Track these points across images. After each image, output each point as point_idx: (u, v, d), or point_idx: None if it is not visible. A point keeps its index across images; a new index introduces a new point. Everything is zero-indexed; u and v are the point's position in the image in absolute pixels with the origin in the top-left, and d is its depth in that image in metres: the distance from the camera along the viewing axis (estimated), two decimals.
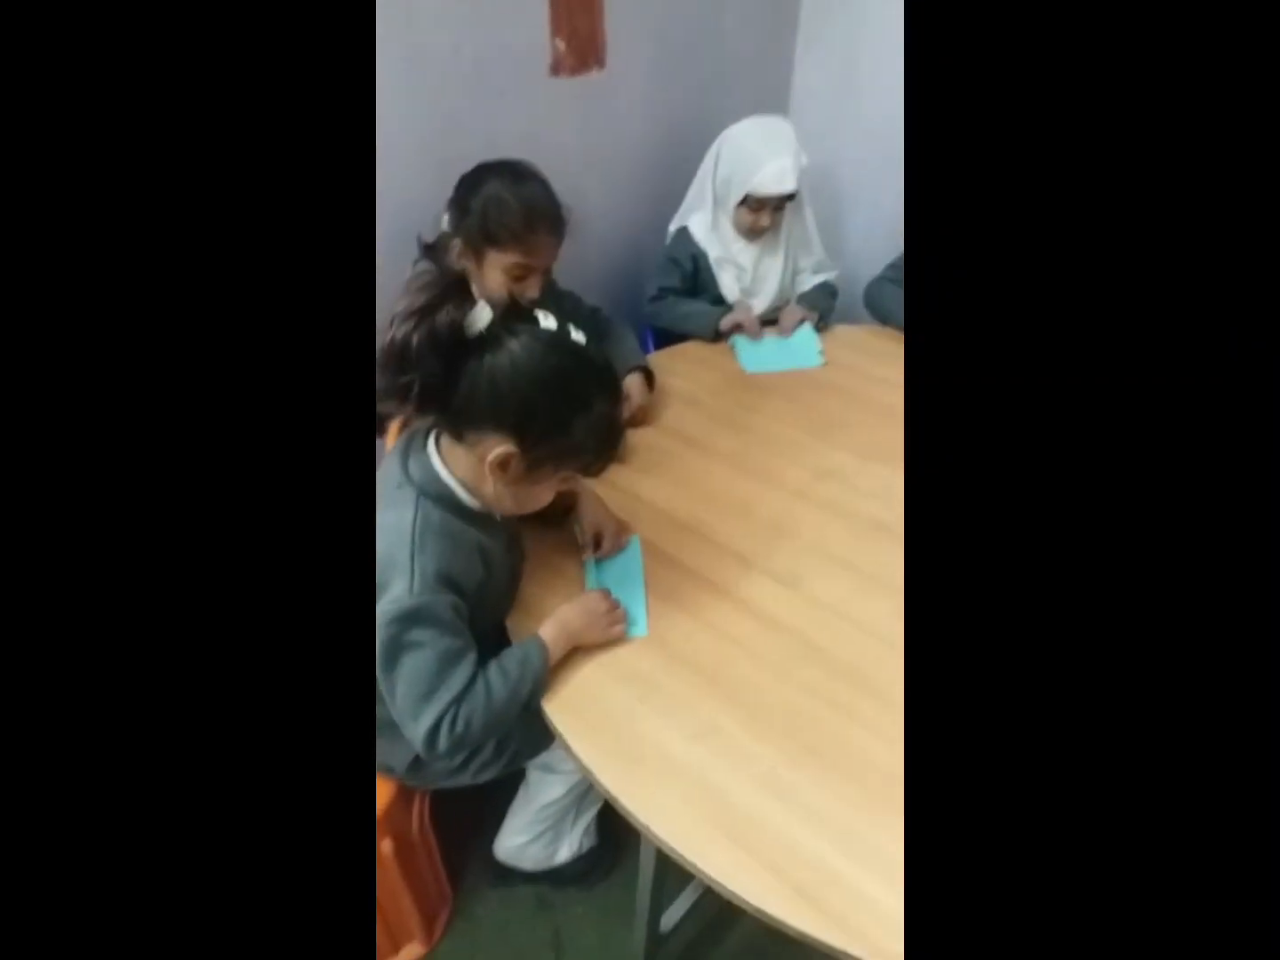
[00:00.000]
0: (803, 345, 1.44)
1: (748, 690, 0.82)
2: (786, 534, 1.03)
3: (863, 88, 1.73)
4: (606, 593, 0.89)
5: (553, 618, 0.85)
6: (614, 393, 0.81)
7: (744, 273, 1.49)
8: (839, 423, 1.25)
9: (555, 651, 0.83)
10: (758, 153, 1.36)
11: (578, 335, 0.78)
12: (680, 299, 1.49)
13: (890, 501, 1.07)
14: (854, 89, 1.75)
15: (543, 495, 0.83)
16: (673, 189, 1.53)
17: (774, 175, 1.34)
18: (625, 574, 0.96)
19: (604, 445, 0.80)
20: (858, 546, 1.01)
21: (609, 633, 0.86)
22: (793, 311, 1.47)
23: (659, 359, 1.41)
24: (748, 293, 1.50)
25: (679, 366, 1.39)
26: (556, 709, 0.81)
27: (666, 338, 1.51)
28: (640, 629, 0.89)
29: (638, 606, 0.92)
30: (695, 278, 1.50)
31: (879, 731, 0.78)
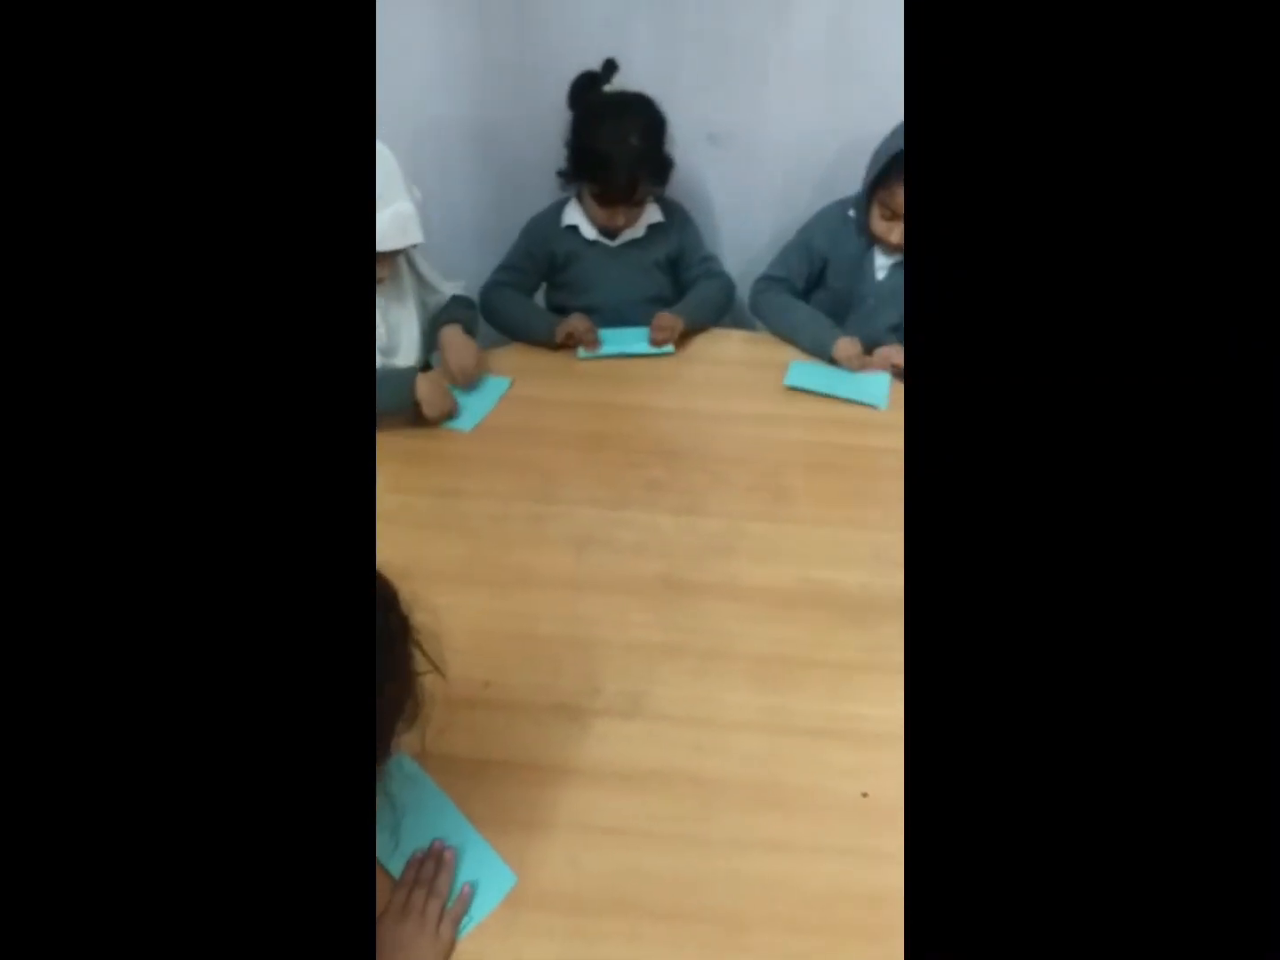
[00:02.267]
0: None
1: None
2: (583, 644, 0.90)
3: None
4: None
5: None
6: None
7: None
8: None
9: None
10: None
11: None
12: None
13: (666, 548, 1.02)
14: None
15: None
16: None
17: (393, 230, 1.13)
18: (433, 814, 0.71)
19: None
20: (666, 614, 0.94)
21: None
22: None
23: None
24: (386, 351, 1.31)
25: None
26: None
27: None
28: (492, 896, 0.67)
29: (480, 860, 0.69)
30: None
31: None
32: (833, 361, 1.41)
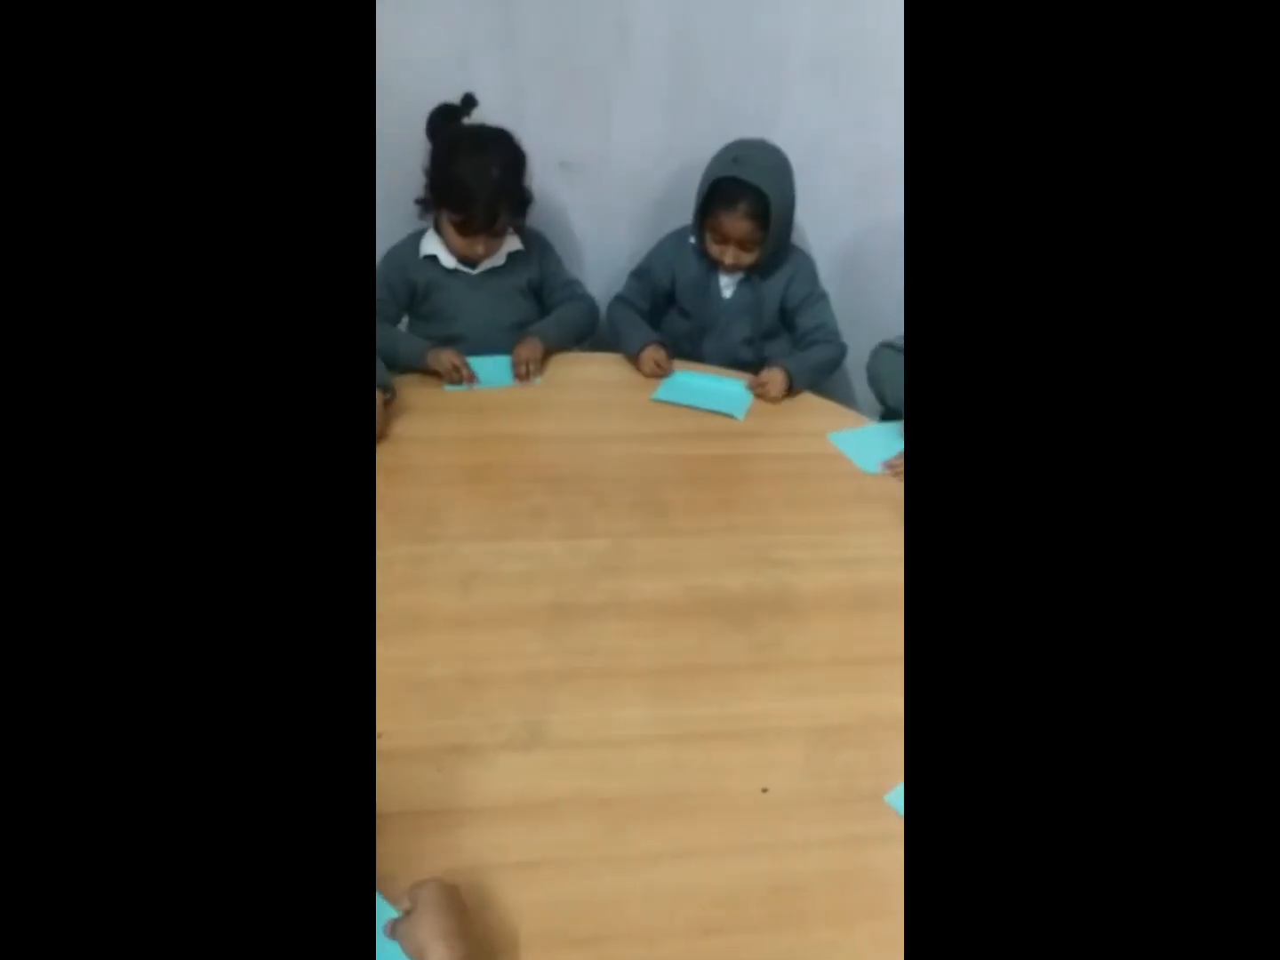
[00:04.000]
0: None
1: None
2: (477, 681, 0.89)
3: None
4: None
5: None
6: None
7: None
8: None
9: None
10: None
11: None
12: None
13: (554, 574, 1.03)
14: None
15: None
16: None
17: None
18: None
19: None
20: (558, 640, 0.94)
21: None
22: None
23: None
24: None
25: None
26: None
27: None
28: None
29: None
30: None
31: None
32: (637, 365, 1.47)
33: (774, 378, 1.42)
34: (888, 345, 1.42)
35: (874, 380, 1.42)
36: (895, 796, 0.80)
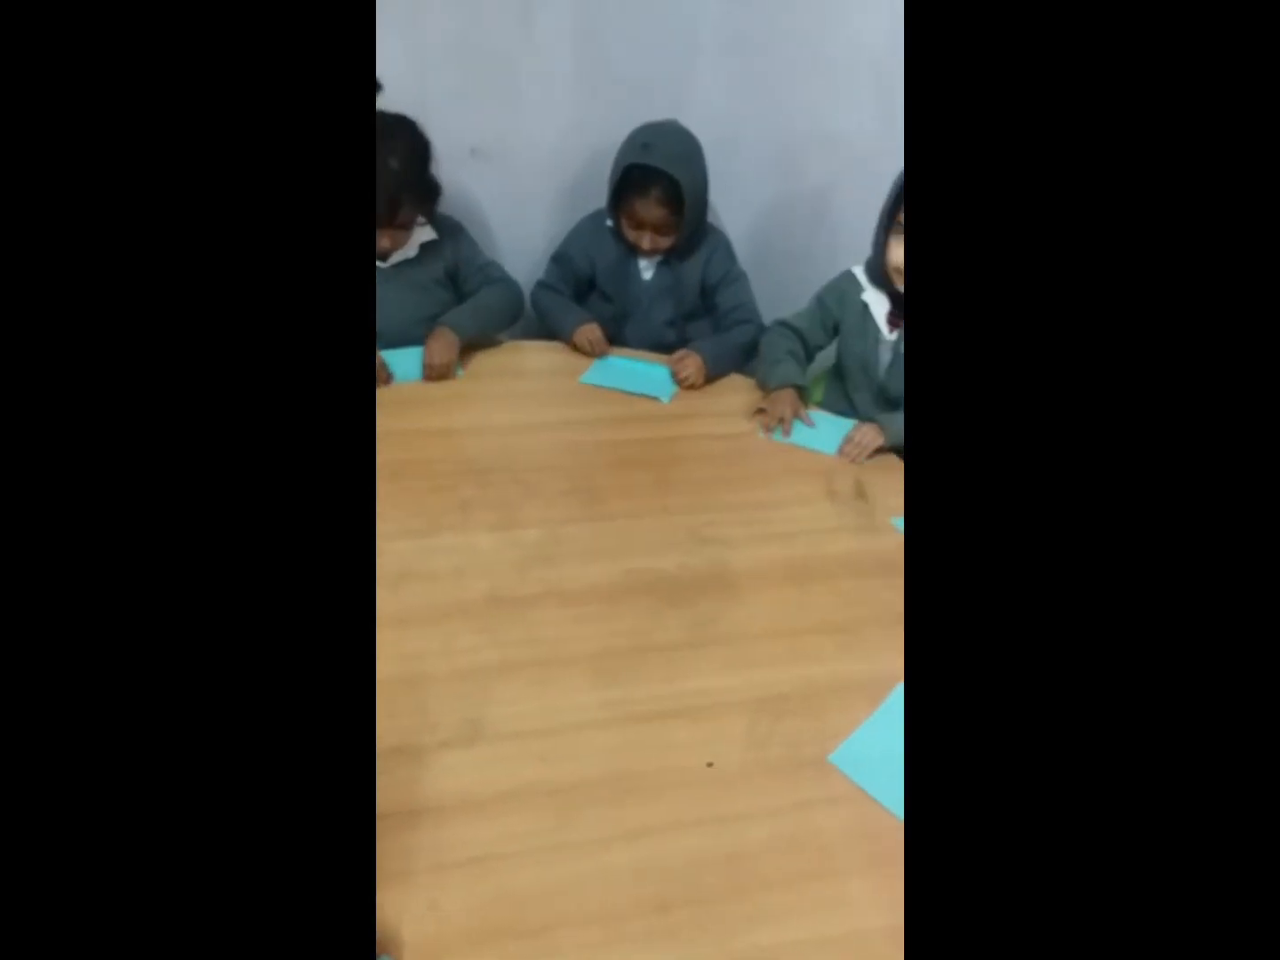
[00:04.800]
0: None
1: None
2: (414, 680, 0.87)
3: None
4: None
5: None
6: None
7: None
8: None
9: None
10: None
11: None
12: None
13: (486, 567, 1.02)
14: None
15: None
16: None
17: None
18: None
19: None
20: (495, 633, 0.93)
21: None
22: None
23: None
24: None
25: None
26: None
27: None
28: None
29: None
30: None
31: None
32: (574, 347, 1.46)
33: (690, 363, 1.41)
34: (782, 324, 1.43)
35: (759, 358, 1.42)
36: (838, 756, 0.82)
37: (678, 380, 1.41)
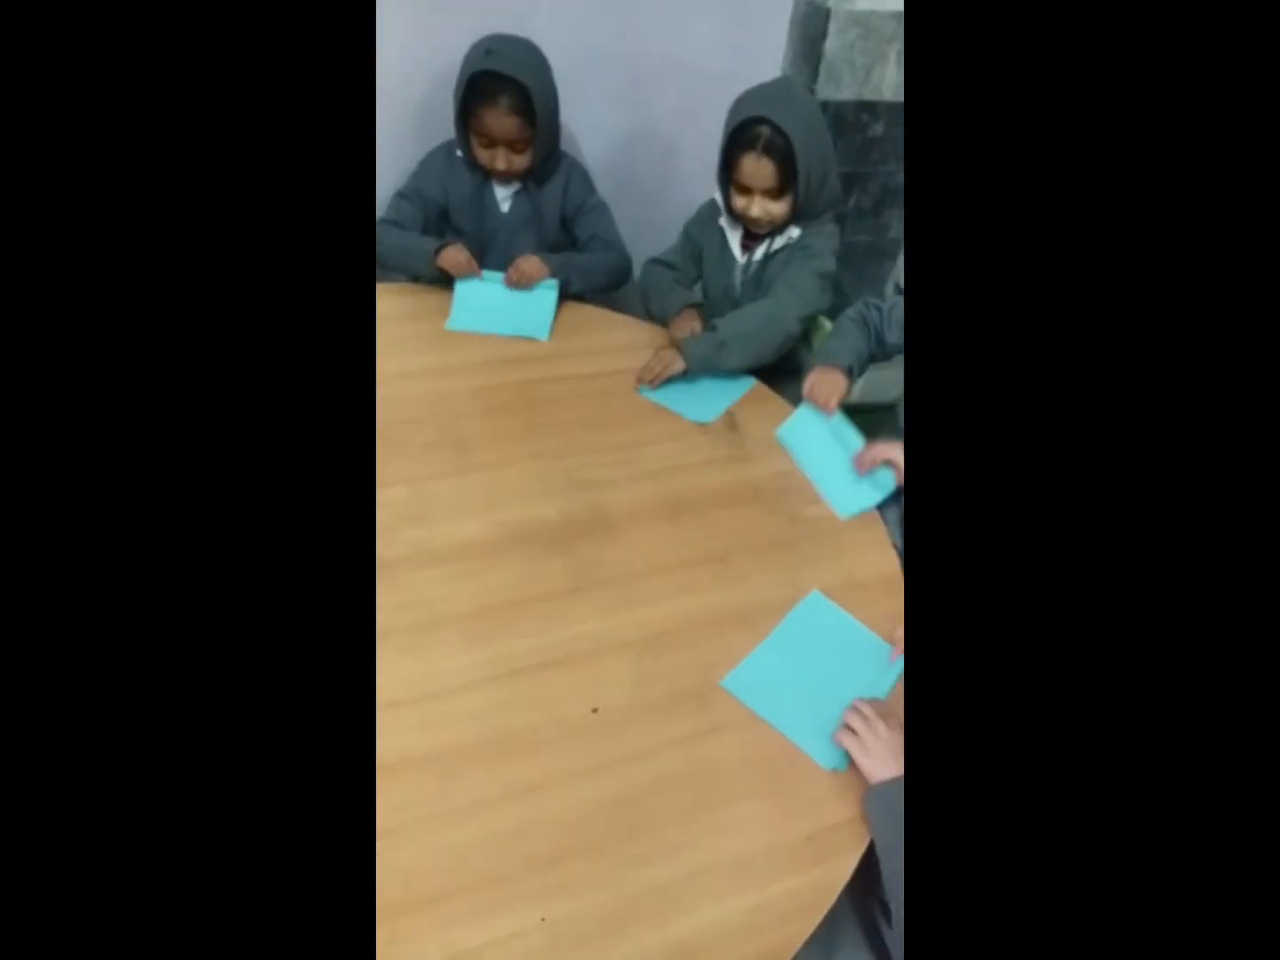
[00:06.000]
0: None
1: None
2: None
3: None
4: None
5: None
6: None
7: None
8: None
9: None
10: None
11: None
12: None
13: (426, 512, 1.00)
14: None
15: None
16: None
17: None
18: None
19: None
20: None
21: None
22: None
23: None
24: None
25: None
26: None
27: None
28: None
29: None
30: None
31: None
32: (441, 271, 1.36)
33: (529, 263, 1.35)
34: (656, 261, 1.42)
35: (644, 295, 1.41)
36: (730, 681, 0.84)
37: (516, 277, 1.35)
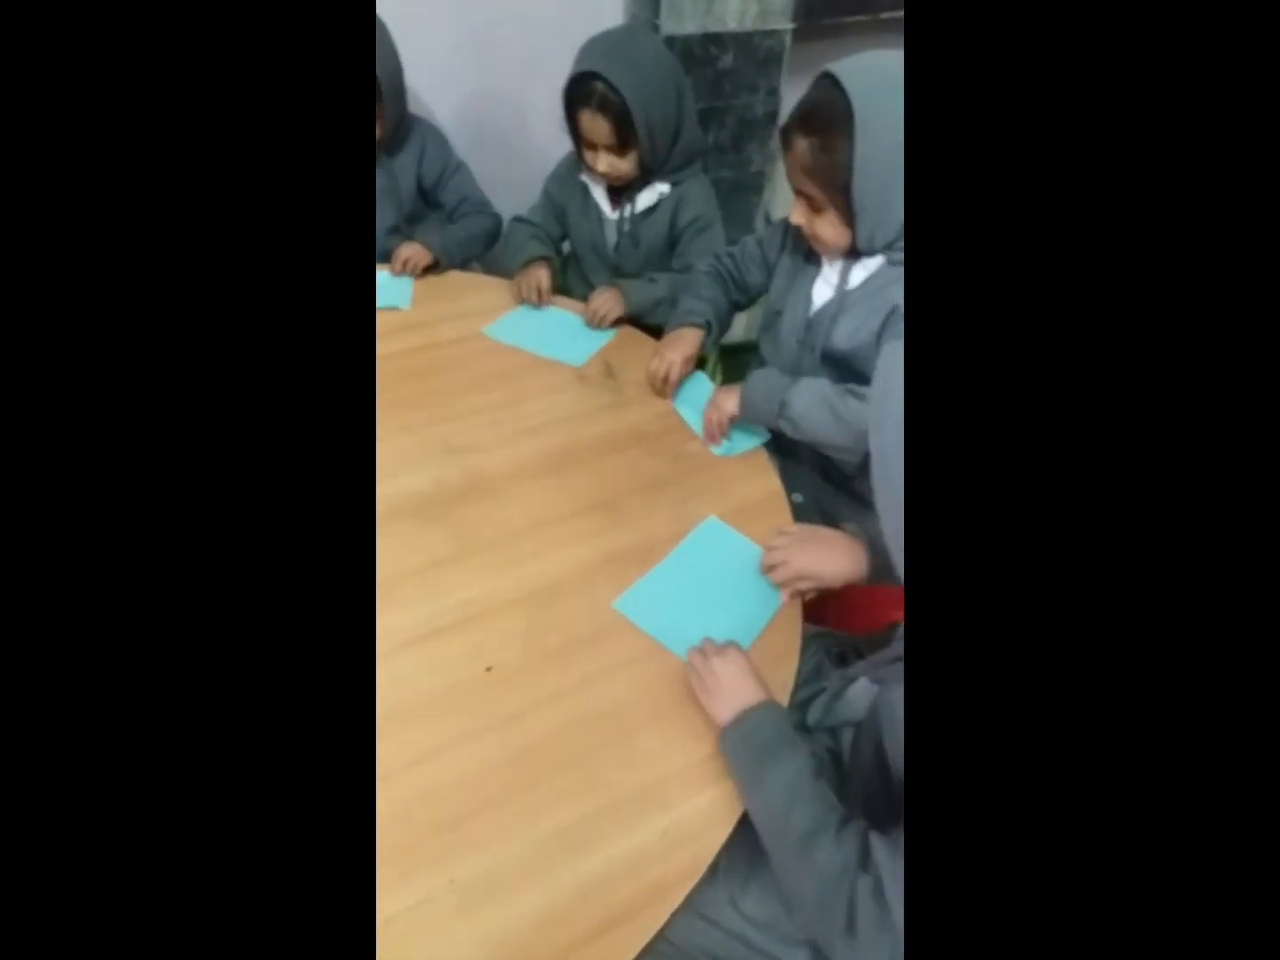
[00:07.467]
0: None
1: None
2: None
3: None
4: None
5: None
6: None
7: None
8: None
9: None
10: None
11: None
12: None
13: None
14: None
15: None
16: None
17: None
18: None
19: None
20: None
21: None
22: None
23: None
24: None
25: None
26: None
27: None
28: None
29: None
30: None
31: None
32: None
33: (415, 252, 1.34)
34: (519, 219, 1.40)
35: (506, 253, 1.38)
36: (622, 603, 0.85)
37: (409, 271, 1.34)
